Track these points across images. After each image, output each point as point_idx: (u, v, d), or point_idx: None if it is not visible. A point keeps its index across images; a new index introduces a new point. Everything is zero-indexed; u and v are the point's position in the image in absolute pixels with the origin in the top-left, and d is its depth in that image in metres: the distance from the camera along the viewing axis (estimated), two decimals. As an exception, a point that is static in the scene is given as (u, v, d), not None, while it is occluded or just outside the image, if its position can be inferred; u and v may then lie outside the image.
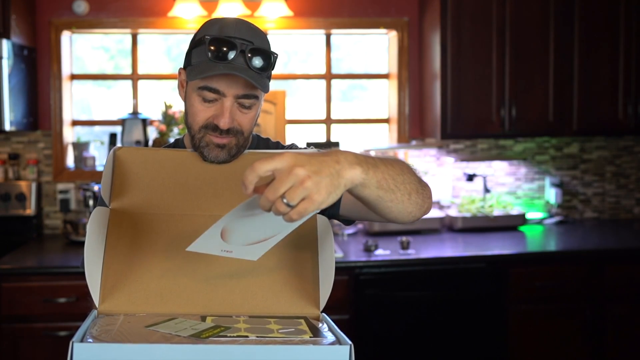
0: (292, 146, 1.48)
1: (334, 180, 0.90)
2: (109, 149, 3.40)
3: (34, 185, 3.31)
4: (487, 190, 3.47)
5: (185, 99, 1.32)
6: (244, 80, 1.24)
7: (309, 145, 3.53)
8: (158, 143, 3.23)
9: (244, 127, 1.29)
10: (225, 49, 1.22)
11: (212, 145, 1.27)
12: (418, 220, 1.20)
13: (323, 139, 3.64)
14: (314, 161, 0.89)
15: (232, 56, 1.22)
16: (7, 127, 2.98)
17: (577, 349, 2.93)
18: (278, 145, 1.47)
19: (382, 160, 1.02)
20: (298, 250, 1.20)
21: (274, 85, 3.61)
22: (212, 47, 1.22)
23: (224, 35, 1.24)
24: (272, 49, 1.32)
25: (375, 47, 3.76)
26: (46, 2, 3.36)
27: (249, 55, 1.23)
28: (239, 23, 1.28)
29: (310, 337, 0.99)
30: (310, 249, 1.20)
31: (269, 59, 1.27)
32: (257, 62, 1.24)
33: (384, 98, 3.74)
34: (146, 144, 3.31)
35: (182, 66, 1.34)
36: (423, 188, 1.15)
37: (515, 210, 3.47)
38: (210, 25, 1.28)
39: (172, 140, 1.51)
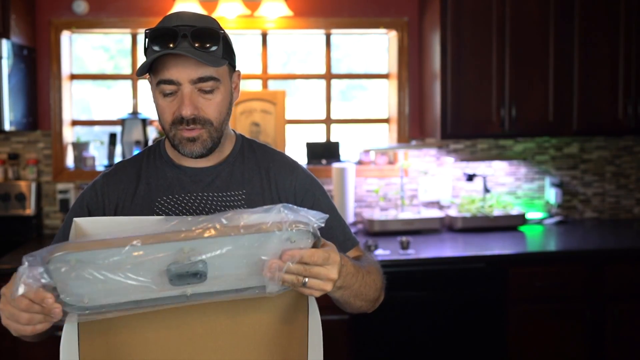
0: (280, 155, 1.45)
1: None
2: (109, 149, 3.42)
3: (33, 185, 3.31)
4: (487, 190, 3.47)
5: (154, 103, 1.32)
6: (194, 62, 1.22)
7: (308, 145, 3.53)
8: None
9: (210, 115, 1.27)
10: (166, 37, 1.21)
11: (183, 140, 1.27)
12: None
13: (323, 139, 3.64)
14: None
15: (174, 43, 1.21)
16: (7, 127, 2.98)
17: (577, 349, 2.93)
18: (266, 150, 1.44)
19: (365, 282, 1.25)
20: (289, 316, 1.15)
21: (273, 85, 3.62)
22: (153, 40, 1.22)
23: (163, 26, 1.24)
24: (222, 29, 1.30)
25: (375, 47, 3.76)
26: (46, 2, 3.36)
27: (192, 37, 1.22)
28: (182, 13, 1.27)
29: None
30: (300, 313, 1.17)
31: (216, 37, 1.24)
32: (203, 42, 1.23)
33: (384, 98, 3.74)
34: (146, 143, 3.31)
35: None
36: (376, 302, 1.36)
37: (515, 210, 3.46)
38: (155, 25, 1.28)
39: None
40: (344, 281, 1.15)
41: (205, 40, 1.23)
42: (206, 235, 0.97)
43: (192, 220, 1.18)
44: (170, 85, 1.24)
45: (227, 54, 1.28)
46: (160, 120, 1.30)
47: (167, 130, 1.29)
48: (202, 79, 1.24)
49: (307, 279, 1.04)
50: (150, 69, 1.26)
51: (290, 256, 1.01)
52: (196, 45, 1.21)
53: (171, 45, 1.21)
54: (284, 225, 1.00)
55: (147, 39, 1.25)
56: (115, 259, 0.95)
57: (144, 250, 0.96)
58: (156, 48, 1.22)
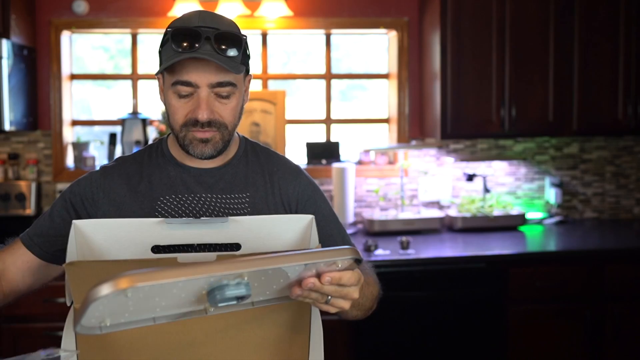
0: (283, 159, 1.44)
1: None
2: (109, 149, 3.42)
3: (33, 185, 3.31)
4: (487, 190, 3.47)
5: (164, 101, 1.29)
6: (214, 66, 1.20)
7: (308, 145, 3.53)
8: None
9: (226, 119, 1.26)
10: (189, 38, 1.19)
11: (195, 141, 1.26)
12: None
13: (323, 139, 3.64)
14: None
15: (197, 45, 1.19)
16: (7, 127, 2.98)
17: (577, 349, 2.93)
18: (269, 153, 1.43)
19: (364, 294, 1.24)
20: (290, 319, 1.13)
21: (273, 85, 3.62)
22: (175, 39, 1.20)
23: (186, 26, 1.22)
24: (242, 33, 1.29)
25: (375, 47, 3.76)
26: (46, 2, 3.36)
27: (216, 41, 1.20)
28: (203, 13, 1.25)
29: None
30: (303, 316, 1.15)
31: (239, 42, 1.23)
32: (225, 46, 1.21)
33: (384, 98, 3.74)
34: (146, 143, 3.31)
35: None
36: (371, 308, 1.34)
37: (515, 210, 3.46)
38: (174, 22, 1.27)
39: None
40: None
41: (228, 44, 1.21)
42: (267, 266, 0.91)
43: (195, 221, 1.16)
44: (187, 87, 1.22)
45: (245, 59, 1.27)
46: (170, 119, 1.28)
47: (177, 130, 1.27)
48: (220, 84, 1.23)
49: (330, 297, 1.00)
50: (165, 67, 1.24)
51: (331, 278, 0.97)
52: (218, 49, 1.20)
53: (188, 46, 1.19)
54: (338, 252, 0.96)
55: (167, 36, 1.23)
56: (169, 290, 0.87)
57: (205, 280, 0.88)
58: (177, 48, 1.20)
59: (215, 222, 1.17)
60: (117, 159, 1.41)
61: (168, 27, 1.25)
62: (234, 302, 0.91)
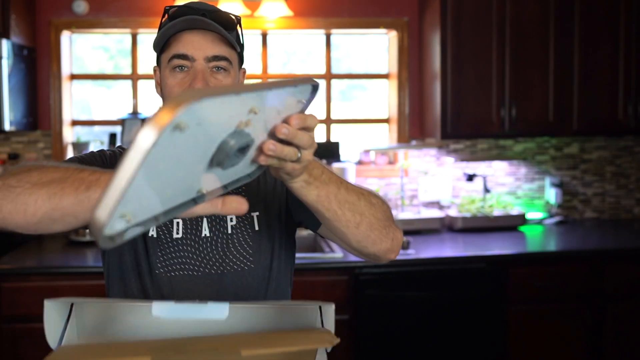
0: None
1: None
2: (109, 149, 3.41)
3: (33, 185, 3.30)
4: (487, 190, 3.47)
5: (161, 87, 1.29)
6: (210, 39, 1.22)
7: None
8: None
9: None
10: (185, 11, 1.23)
11: None
12: (381, 259, 1.16)
13: (323, 139, 3.64)
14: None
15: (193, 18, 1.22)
16: (7, 127, 2.98)
17: (577, 349, 2.93)
18: None
19: (347, 188, 1.04)
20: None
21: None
22: (173, 16, 1.23)
23: (183, 5, 1.26)
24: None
25: (375, 47, 3.76)
26: (46, 2, 3.36)
27: (212, 18, 1.23)
28: (200, 2, 1.28)
29: None
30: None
31: (233, 23, 1.27)
32: (220, 20, 1.24)
33: (384, 98, 3.74)
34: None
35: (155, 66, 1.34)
36: (384, 228, 1.12)
37: (515, 210, 3.46)
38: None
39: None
40: (309, 170, 0.96)
41: (224, 23, 1.24)
42: (265, 87, 0.74)
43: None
44: (183, 60, 1.23)
45: (239, 43, 1.30)
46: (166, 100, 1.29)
47: None
48: (216, 57, 1.23)
49: (300, 152, 0.86)
50: (162, 49, 1.26)
51: (299, 120, 0.83)
52: (214, 23, 1.22)
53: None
54: (296, 80, 0.82)
55: (165, 15, 1.26)
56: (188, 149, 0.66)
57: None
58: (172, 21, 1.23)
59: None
60: (117, 147, 1.41)
61: (165, 8, 1.28)
62: (242, 155, 0.77)
